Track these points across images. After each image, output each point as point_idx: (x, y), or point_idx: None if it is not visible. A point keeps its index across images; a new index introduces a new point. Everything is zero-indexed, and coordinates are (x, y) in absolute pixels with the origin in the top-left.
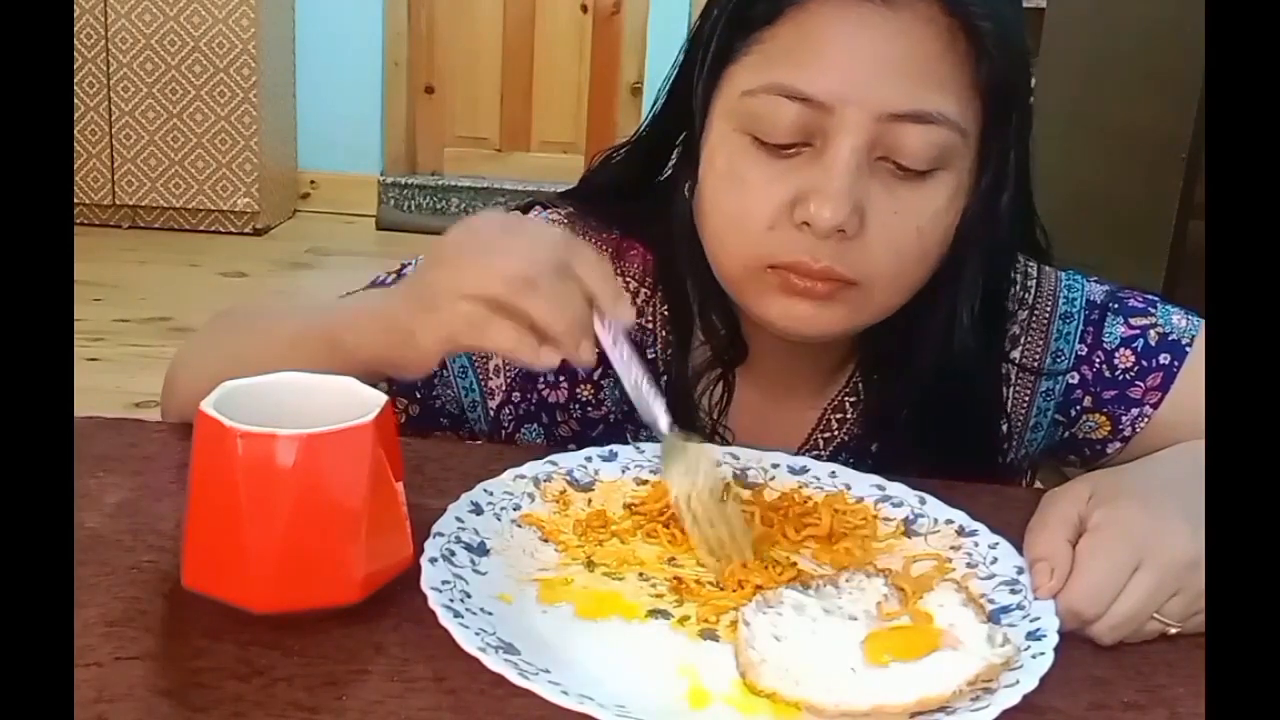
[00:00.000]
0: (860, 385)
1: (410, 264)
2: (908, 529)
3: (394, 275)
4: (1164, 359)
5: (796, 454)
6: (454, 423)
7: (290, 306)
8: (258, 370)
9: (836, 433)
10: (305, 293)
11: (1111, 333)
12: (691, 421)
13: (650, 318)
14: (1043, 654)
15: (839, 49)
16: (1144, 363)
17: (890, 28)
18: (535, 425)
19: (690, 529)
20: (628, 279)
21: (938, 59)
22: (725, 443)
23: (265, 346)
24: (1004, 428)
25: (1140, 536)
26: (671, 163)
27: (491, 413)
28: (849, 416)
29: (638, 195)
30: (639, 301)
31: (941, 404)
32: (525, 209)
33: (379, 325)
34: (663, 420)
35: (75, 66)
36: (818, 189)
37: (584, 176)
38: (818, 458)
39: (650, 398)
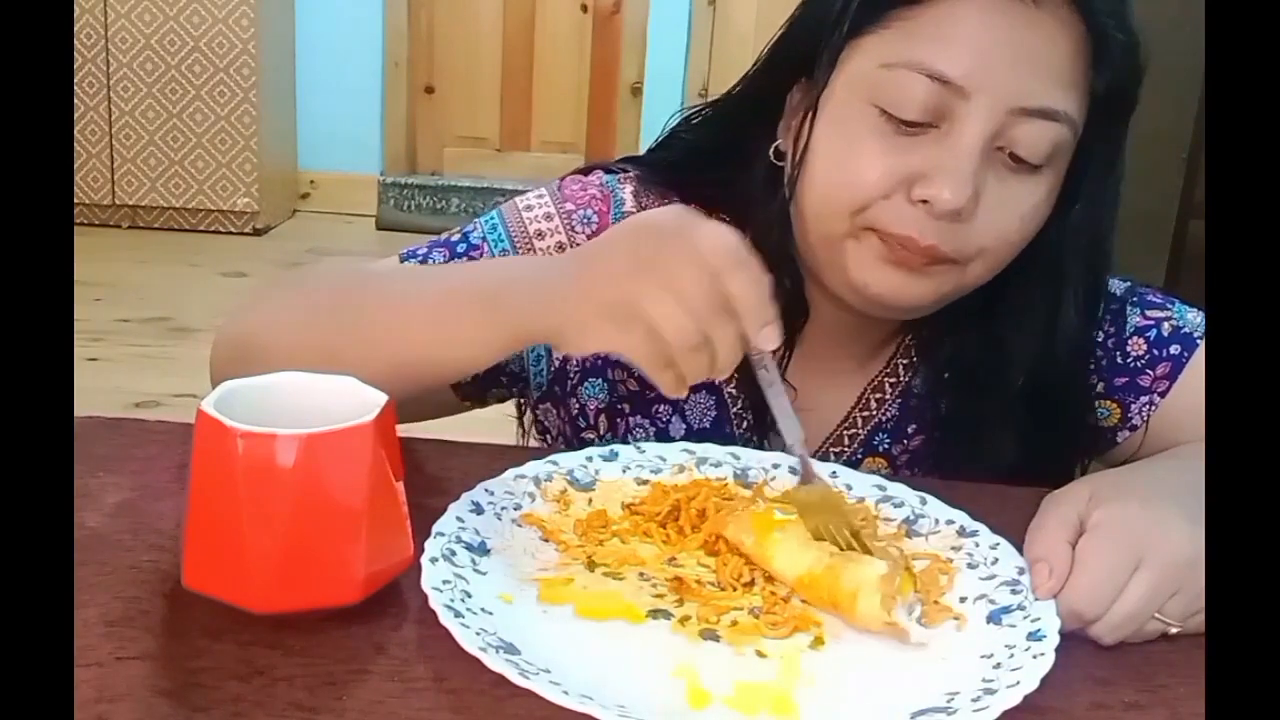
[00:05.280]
0: (900, 366)
1: (472, 228)
2: (909, 529)
3: (459, 235)
4: (1174, 349)
5: (835, 431)
6: (512, 380)
7: (392, 271)
8: (388, 333)
9: (874, 412)
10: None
11: (1129, 322)
12: (751, 377)
13: None
14: (1043, 654)
15: (983, 37)
16: (1155, 351)
17: (1032, 24)
18: (600, 380)
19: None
20: None
21: (1069, 59)
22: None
23: (403, 306)
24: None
25: (1139, 536)
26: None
27: (556, 364)
28: (887, 397)
29: (716, 161)
30: None
31: (1031, 392)
32: (586, 171)
33: (543, 300)
34: (799, 442)
35: (75, 66)
36: (942, 169)
37: (657, 144)
38: (854, 437)
39: (791, 417)
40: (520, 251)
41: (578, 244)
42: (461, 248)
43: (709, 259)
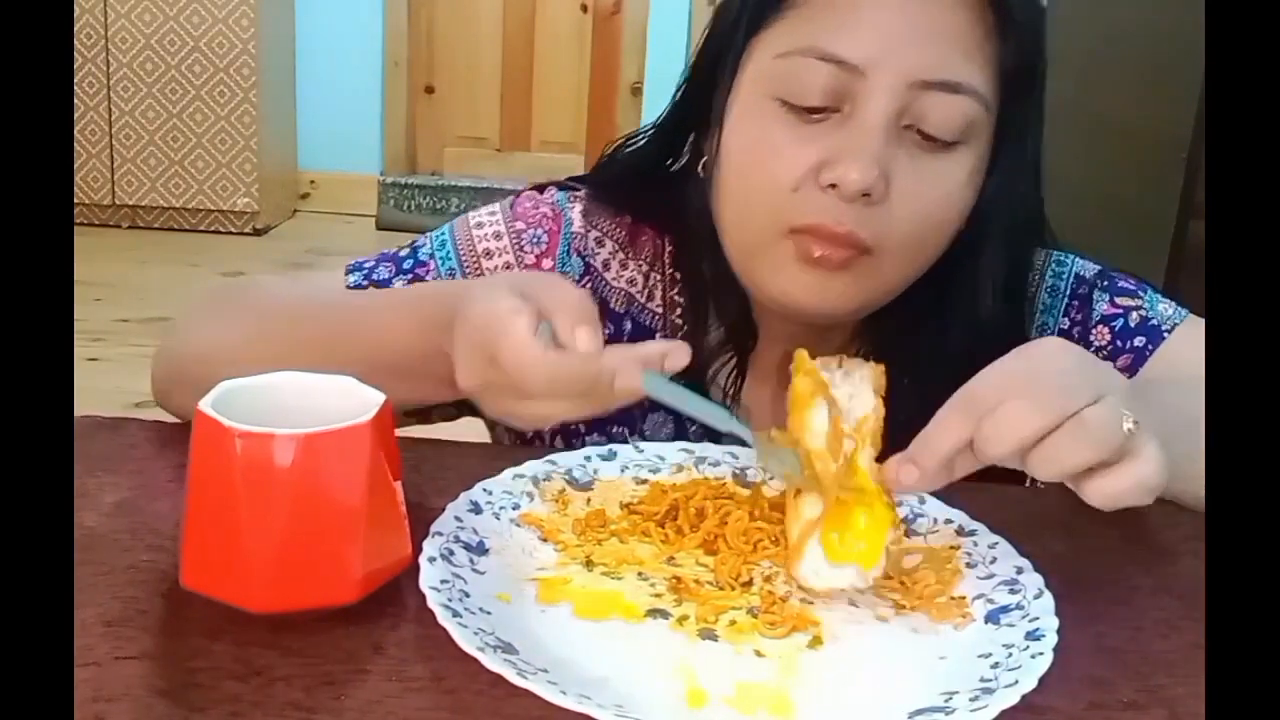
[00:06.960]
0: None
1: (423, 243)
2: (908, 528)
3: (407, 250)
4: (1139, 341)
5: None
6: (461, 405)
7: (315, 304)
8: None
9: None
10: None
11: (1096, 309)
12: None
13: (660, 303)
14: (1041, 654)
15: (874, 14)
16: (1118, 342)
17: None
18: None
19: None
20: (640, 261)
21: (967, 31)
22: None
23: (314, 359)
24: None
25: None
26: (687, 147)
27: None
28: None
29: (653, 181)
30: (649, 286)
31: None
32: (540, 189)
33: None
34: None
35: (75, 66)
36: (847, 151)
37: (598, 165)
38: None
39: (707, 407)
40: (468, 269)
41: (526, 265)
42: (409, 263)
43: (529, 391)
